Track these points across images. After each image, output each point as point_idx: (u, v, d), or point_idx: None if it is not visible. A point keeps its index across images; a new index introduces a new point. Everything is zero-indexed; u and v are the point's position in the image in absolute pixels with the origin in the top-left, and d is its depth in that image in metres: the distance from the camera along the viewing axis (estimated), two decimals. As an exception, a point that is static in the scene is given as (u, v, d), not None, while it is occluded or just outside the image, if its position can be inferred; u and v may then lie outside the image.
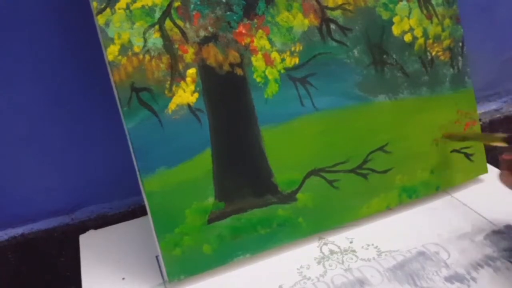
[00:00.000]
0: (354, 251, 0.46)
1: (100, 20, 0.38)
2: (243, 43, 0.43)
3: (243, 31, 0.43)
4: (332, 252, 0.46)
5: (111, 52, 0.39)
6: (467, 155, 0.53)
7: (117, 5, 0.39)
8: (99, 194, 0.56)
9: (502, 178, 0.44)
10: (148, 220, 0.42)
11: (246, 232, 0.44)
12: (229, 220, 0.44)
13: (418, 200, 0.51)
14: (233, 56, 0.42)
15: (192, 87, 0.41)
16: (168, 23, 0.40)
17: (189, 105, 0.41)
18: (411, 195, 0.51)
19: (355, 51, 0.47)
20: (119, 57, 0.39)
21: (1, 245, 0.53)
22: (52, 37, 0.47)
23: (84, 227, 0.53)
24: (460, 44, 0.52)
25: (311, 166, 0.46)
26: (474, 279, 0.41)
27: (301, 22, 0.44)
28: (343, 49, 0.46)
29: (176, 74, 0.41)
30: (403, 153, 0.50)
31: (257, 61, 0.43)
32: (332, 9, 0.45)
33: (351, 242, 0.47)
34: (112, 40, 0.39)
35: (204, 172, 0.42)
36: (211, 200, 0.43)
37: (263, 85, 0.44)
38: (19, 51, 0.47)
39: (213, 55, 0.42)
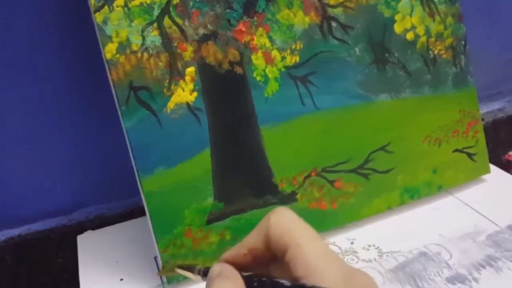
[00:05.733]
0: (355, 252, 0.45)
1: (98, 18, 0.38)
2: (243, 41, 0.42)
3: (243, 29, 0.42)
4: (333, 253, 0.45)
5: (109, 51, 0.38)
6: (470, 155, 0.53)
7: (115, 3, 0.38)
8: (97, 194, 0.55)
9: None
10: (146, 220, 0.41)
11: (246, 232, 0.43)
12: (228, 221, 0.43)
13: (420, 200, 0.51)
14: (233, 54, 0.42)
15: (191, 86, 0.41)
16: (167, 21, 0.40)
17: (188, 104, 0.41)
18: (413, 195, 0.50)
19: (357, 49, 0.46)
20: (117, 56, 0.38)
21: (-2, 246, 0.52)
22: (50, 35, 0.47)
23: (82, 228, 0.53)
24: (463, 42, 0.51)
25: (312, 166, 0.46)
26: (476, 279, 0.41)
27: (301, 19, 0.44)
28: (344, 47, 0.46)
29: (175, 73, 0.40)
30: (404, 153, 0.49)
31: (257, 59, 0.43)
32: (333, 6, 0.45)
33: (352, 243, 0.47)
34: (110, 38, 0.38)
35: (203, 172, 0.42)
36: (210, 200, 0.42)
37: (263, 84, 0.43)
38: (17, 49, 0.46)
39: (212, 53, 0.41)
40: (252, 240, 0.29)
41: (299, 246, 0.25)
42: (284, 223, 0.27)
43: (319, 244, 0.25)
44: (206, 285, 0.29)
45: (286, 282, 0.28)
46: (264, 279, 0.29)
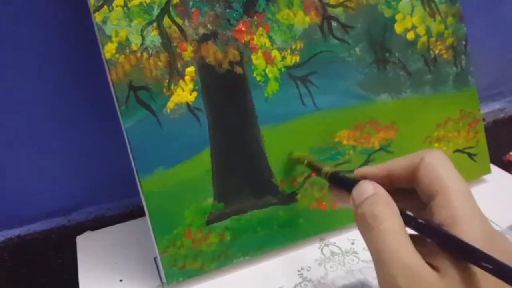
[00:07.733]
0: (355, 252, 0.45)
1: (97, 17, 0.38)
2: (243, 41, 0.42)
3: (243, 29, 0.42)
4: (333, 253, 0.45)
5: (108, 50, 0.38)
6: (470, 155, 0.53)
7: (115, 2, 0.38)
8: (97, 195, 0.55)
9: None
10: (146, 221, 0.41)
11: (246, 233, 0.44)
12: (228, 221, 0.43)
13: (421, 200, 0.51)
14: (233, 54, 0.42)
15: (191, 86, 0.41)
16: (166, 21, 0.40)
17: (187, 104, 0.41)
18: (414, 195, 0.50)
19: (357, 49, 0.46)
20: (117, 55, 0.38)
21: (-3, 247, 0.52)
22: (49, 35, 0.47)
23: (81, 228, 0.53)
24: (464, 42, 0.51)
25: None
26: (477, 281, 0.41)
27: (302, 19, 0.44)
28: (344, 47, 0.46)
29: (174, 73, 0.40)
30: (405, 153, 0.48)
31: (257, 59, 0.43)
32: (334, 6, 0.45)
33: (352, 244, 0.46)
34: (109, 38, 0.38)
35: (203, 172, 0.42)
36: (210, 201, 0.42)
37: (263, 84, 0.43)
38: (15, 49, 0.46)
39: (212, 53, 0.41)
40: (397, 166, 0.29)
41: (447, 196, 0.25)
42: (436, 170, 0.27)
43: (468, 199, 0.26)
44: (353, 199, 0.28)
45: (442, 229, 0.25)
46: (419, 220, 0.26)
